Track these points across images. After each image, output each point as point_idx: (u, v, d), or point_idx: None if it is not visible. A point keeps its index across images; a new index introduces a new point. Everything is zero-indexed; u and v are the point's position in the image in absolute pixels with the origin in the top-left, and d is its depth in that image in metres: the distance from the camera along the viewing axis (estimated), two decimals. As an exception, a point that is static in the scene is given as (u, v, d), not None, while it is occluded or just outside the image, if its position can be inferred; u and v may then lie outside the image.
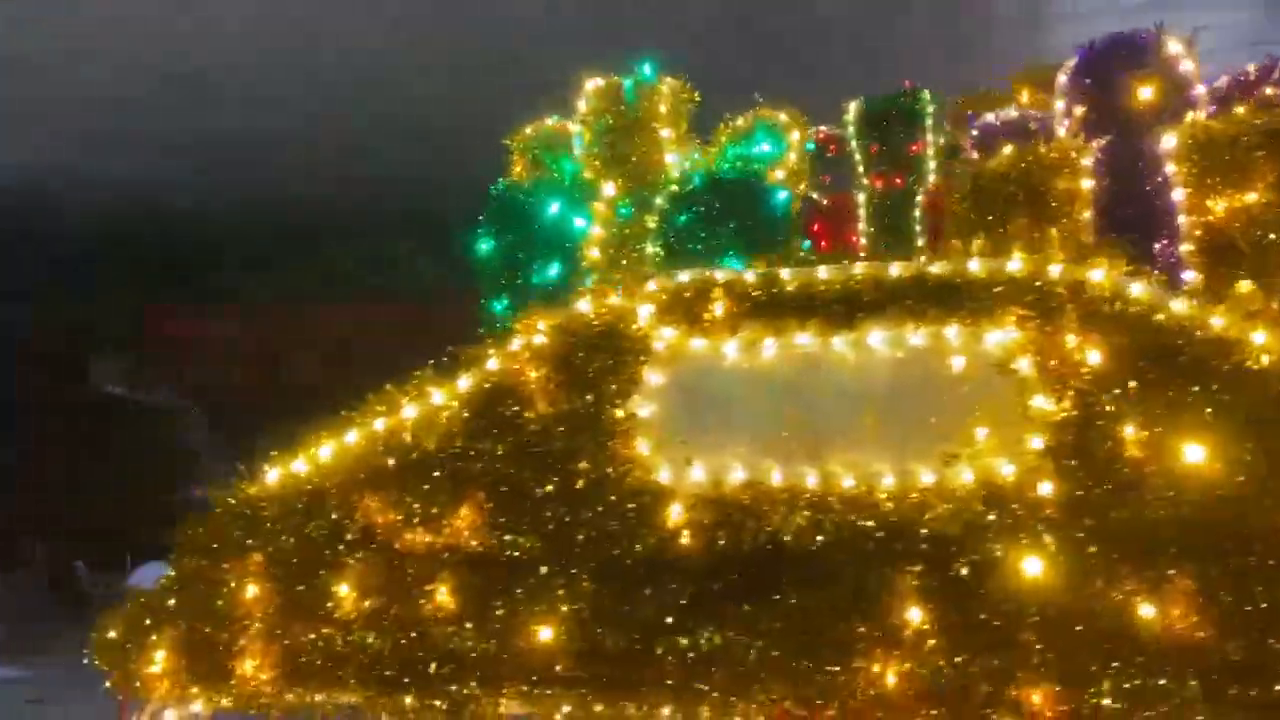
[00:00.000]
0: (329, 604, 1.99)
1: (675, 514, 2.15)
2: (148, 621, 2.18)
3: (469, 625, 1.98)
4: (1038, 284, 2.23)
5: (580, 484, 2.15)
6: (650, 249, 2.72)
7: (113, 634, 2.19)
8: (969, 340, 2.38)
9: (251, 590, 2.02)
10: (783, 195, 2.70)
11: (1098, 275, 2.24)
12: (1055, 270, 2.27)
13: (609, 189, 2.72)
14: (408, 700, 1.95)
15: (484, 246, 2.81)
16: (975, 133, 3.23)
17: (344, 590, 1.98)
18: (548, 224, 2.74)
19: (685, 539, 2.27)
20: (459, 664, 1.92)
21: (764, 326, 2.24)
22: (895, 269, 2.48)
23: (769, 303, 2.27)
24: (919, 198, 3.28)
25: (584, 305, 2.32)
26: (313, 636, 1.95)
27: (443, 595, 1.98)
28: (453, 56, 9.64)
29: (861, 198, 3.43)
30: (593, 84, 2.85)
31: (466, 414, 2.24)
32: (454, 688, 1.89)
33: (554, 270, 2.76)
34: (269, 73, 10.06)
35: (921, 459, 2.34)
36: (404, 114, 10.84)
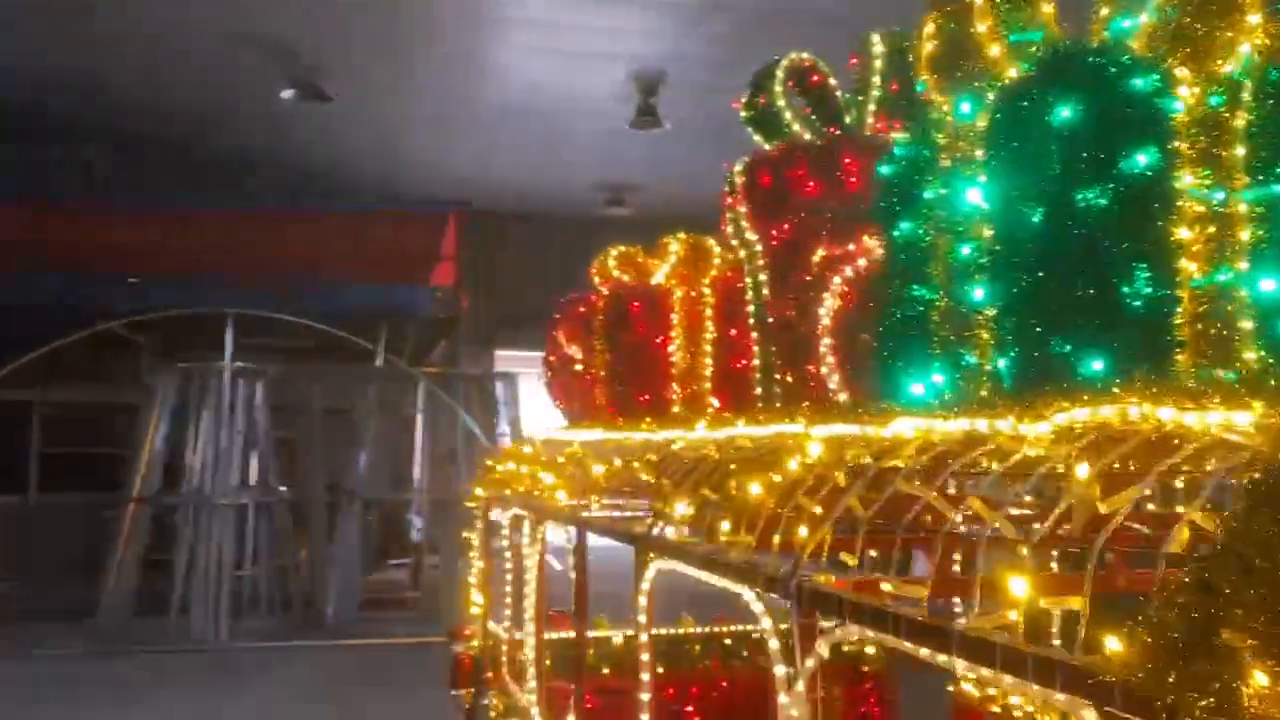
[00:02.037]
0: None
1: None
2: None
3: None
4: None
5: None
6: (1240, 149, 2.19)
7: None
8: None
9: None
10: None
11: None
12: None
13: (1183, 71, 2.13)
14: None
15: (1065, 114, 1.92)
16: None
17: None
18: (1138, 100, 1.98)
19: None
20: None
21: None
22: None
23: None
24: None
25: None
26: None
27: None
28: None
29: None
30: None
31: None
32: None
33: (1143, 158, 2.06)
34: None
35: None
36: None
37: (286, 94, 14.68)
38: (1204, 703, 1.12)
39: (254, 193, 15.94)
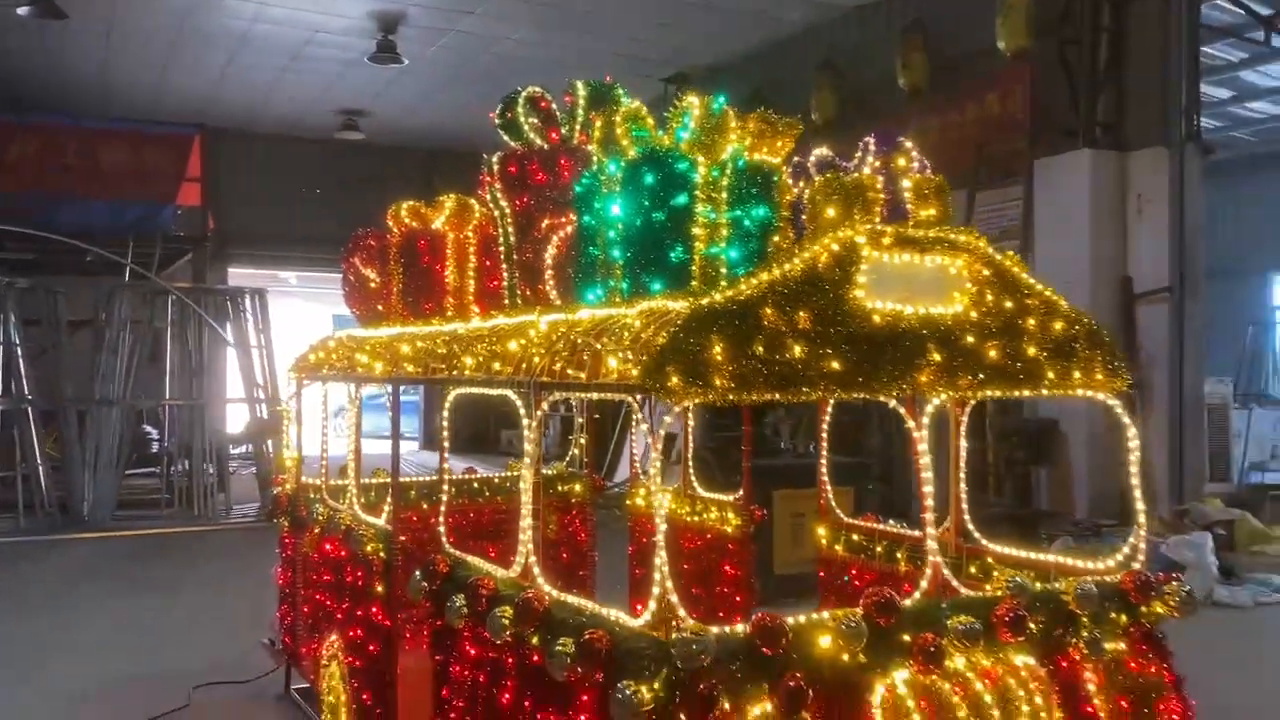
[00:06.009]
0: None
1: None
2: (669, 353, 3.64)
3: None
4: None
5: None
6: (725, 194, 4.93)
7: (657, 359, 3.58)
8: None
9: (717, 349, 3.87)
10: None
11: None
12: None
13: (701, 159, 4.80)
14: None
15: (649, 178, 4.55)
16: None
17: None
18: (680, 172, 4.62)
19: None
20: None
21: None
22: None
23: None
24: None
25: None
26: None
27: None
28: None
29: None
30: (692, 100, 4.88)
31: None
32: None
33: (682, 198, 4.74)
34: None
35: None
36: None
37: (23, 10, 15.73)
38: (659, 389, 3.92)
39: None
